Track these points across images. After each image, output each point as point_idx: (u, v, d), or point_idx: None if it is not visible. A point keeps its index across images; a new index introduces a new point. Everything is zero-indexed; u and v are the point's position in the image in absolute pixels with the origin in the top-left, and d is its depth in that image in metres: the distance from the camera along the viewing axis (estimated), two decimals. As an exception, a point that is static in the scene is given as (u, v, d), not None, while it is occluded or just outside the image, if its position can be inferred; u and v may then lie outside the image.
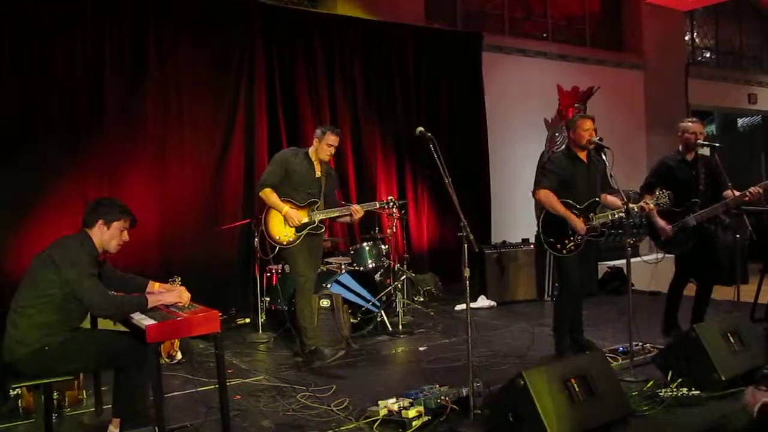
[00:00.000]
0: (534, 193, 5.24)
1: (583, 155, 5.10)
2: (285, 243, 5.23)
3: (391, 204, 5.66)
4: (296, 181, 5.25)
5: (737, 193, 5.12)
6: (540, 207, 5.20)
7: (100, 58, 6.44)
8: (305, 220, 5.23)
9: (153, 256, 6.64)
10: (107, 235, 3.63)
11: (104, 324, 3.99)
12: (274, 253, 5.46)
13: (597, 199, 5.08)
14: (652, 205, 5.00)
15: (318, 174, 5.36)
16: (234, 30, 7.24)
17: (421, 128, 4.13)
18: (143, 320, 3.39)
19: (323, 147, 5.27)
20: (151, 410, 3.53)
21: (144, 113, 6.69)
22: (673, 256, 5.61)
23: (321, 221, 5.33)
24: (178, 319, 3.43)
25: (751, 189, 5.10)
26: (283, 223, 5.20)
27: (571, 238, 4.96)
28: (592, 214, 5.01)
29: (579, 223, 4.92)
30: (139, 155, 6.66)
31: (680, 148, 5.47)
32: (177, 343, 5.26)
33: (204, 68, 7.05)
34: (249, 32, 7.32)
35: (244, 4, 7.31)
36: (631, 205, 4.80)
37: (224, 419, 3.62)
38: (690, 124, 5.40)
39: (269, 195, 5.21)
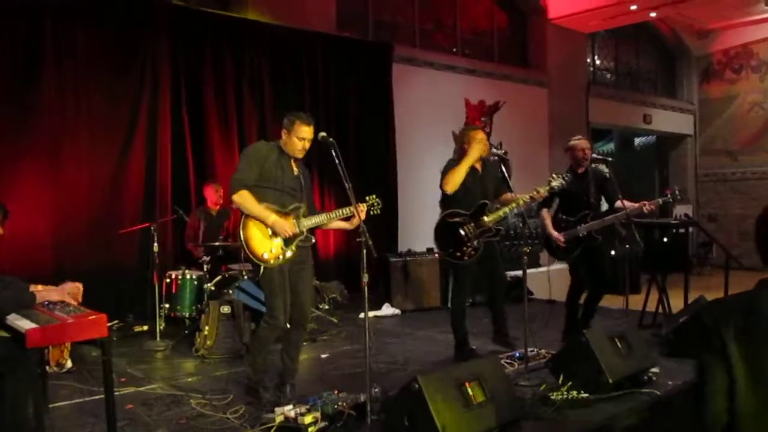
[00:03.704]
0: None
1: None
2: (272, 261, 4.14)
3: (377, 204, 4.55)
4: (274, 181, 4.21)
5: (630, 204, 5.41)
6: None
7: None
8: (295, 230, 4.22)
9: (45, 261, 6.33)
10: (-23, 228, 3.45)
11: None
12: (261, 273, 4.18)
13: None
14: (542, 192, 5.24)
15: (296, 172, 4.35)
16: (138, 29, 7.02)
17: (323, 133, 4.10)
18: (23, 324, 3.20)
19: (293, 141, 4.22)
20: (32, 422, 3.36)
21: (38, 111, 6.38)
22: (566, 265, 5.85)
23: (311, 231, 4.35)
24: (63, 322, 3.26)
25: (649, 203, 5.42)
26: (269, 235, 4.16)
27: (469, 244, 5.10)
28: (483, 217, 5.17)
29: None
30: (33, 154, 6.35)
31: (571, 163, 5.79)
32: (67, 350, 5.02)
33: (105, 67, 6.81)
34: (154, 32, 7.12)
35: (150, 3, 7.11)
36: (520, 195, 5.09)
37: (110, 429, 3.47)
38: (577, 141, 5.76)
39: (246, 199, 4.10)
